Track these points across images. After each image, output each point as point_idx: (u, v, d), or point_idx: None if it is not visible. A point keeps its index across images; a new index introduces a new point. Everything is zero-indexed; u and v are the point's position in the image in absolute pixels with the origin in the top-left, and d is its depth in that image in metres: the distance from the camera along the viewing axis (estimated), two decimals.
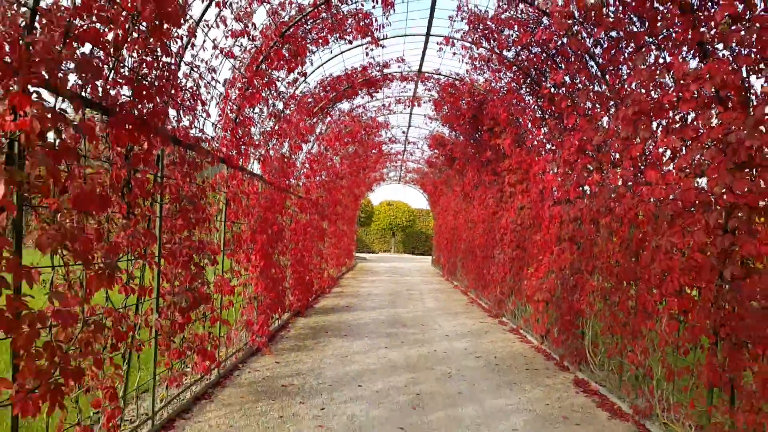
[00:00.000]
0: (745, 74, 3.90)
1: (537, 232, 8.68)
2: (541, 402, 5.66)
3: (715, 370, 4.04)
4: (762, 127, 3.63)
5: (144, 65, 3.58)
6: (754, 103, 3.91)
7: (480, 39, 7.14)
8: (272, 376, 6.19)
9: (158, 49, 3.56)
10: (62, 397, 2.69)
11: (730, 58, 3.90)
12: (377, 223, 42.74)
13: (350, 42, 6.81)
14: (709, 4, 4.04)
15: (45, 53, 2.53)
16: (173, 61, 3.73)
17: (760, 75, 3.69)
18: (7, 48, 2.42)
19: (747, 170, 3.78)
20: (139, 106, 3.50)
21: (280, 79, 6.49)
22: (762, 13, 3.56)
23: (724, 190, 3.89)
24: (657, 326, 4.83)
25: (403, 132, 15.07)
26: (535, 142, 8.44)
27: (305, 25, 6.10)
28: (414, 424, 4.82)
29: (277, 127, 7.26)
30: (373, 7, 5.97)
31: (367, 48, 7.58)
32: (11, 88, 2.46)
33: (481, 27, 6.89)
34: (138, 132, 3.39)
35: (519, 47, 6.81)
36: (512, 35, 6.71)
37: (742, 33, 3.64)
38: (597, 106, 6.03)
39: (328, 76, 8.70)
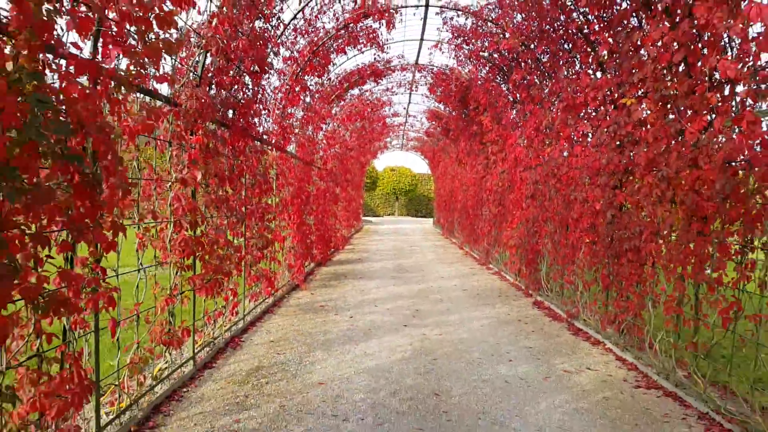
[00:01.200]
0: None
1: (512, 192, 10.85)
2: (504, 313, 7.96)
3: (606, 278, 6.27)
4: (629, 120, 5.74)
5: (241, 93, 5.72)
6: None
7: (462, 44, 9.18)
8: (311, 301, 8.49)
9: (249, 83, 5.68)
10: (219, 288, 4.94)
11: (613, 76, 5.99)
12: (381, 188, 44.88)
13: (361, 51, 8.89)
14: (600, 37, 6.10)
15: (209, 102, 4.69)
16: (257, 89, 5.84)
17: (625, 89, 5.76)
18: (183, 97, 4.57)
19: (622, 149, 5.92)
20: (239, 120, 5.65)
21: (310, 82, 8.58)
22: (624, 48, 5.62)
23: (609, 161, 6.04)
24: (580, 254, 7.07)
25: (404, 108, 17.10)
26: (510, 120, 10.53)
27: (329, 42, 8.15)
28: (414, 324, 7.11)
29: (304, 115, 9.39)
30: (379, 27, 8.01)
31: (374, 54, 9.65)
32: (195, 121, 4.63)
33: (461, 37, 8.92)
34: (240, 136, 5.56)
35: (491, 50, 8.87)
36: (485, 42, 8.75)
37: (614, 63, 5.74)
38: (545, 98, 8.14)
39: (343, 72, 10.75)
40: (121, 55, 3.26)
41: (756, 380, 4.29)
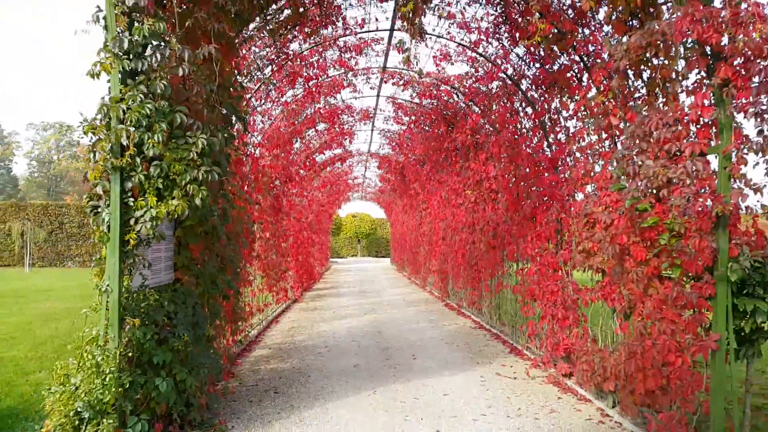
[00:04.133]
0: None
1: (434, 236, 16.51)
2: (424, 309, 13.50)
3: (468, 282, 11.87)
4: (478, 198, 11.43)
5: (275, 190, 11.20)
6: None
7: (395, 147, 14.97)
8: (308, 306, 13.83)
9: (283, 188, 11.16)
10: (271, 288, 10.31)
11: (464, 178, 11.74)
12: (345, 233, 50.32)
13: (332, 150, 14.61)
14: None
15: (272, 201, 10.18)
16: (284, 187, 11.32)
17: (468, 185, 11.48)
18: (262, 200, 10.06)
19: (478, 213, 11.61)
20: (276, 203, 11.14)
21: (303, 172, 14.17)
22: (464, 167, 11.36)
23: (467, 219, 11.71)
24: (461, 271, 12.69)
25: (362, 174, 22.86)
26: (429, 189, 16.29)
27: (315, 151, 13.78)
28: (371, 313, 12.55)
29: (298, 191, 14.93)
30: (346, 138, 13.75)
31: (342, 153, 15.41)
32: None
33: (394, 142, 14.73)
34: (277, 213, 11.05)
35: (412, 153, 14.68)
36: (408, 145, 14.56)
37: (464, 172, 11.51)
38: (445, 180, 13.93)
39: (321, 160, 16.39)
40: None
41: (504, 312, 9.82)
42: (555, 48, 5.80)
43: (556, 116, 7.03)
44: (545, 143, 7.45)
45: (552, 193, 7.08)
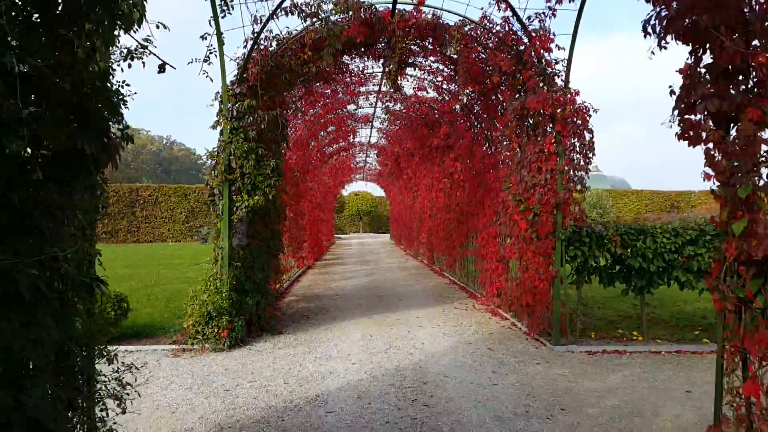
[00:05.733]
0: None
1: (424, 213, 19.83)
2: (414, 273, 16.90)
3: (446, 250, 15.22)
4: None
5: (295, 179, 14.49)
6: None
7: (390, 139, 18.20)
8: (320, 272, 17.22)
9: (302, 178, 14.43)
10: (295, 255, 13.69)
11: (442, 169, 15.01)
12: (348, 210, 53.63)
13: (339, 144, 17.89)
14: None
15: (296, 189, 13.52)
16: (303, 176, 14.57)
17: (445, 174, 14.75)
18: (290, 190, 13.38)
19: (452, 197, 14.89)
20: (298, 189, 14.45)
21: (315, 164, 17.46)
22: (441, 161, 14.58)
23: (446, 201, 15.00)
24: (442, 243, 16.03)
25: (363, 159, 26.13)
26: (420, 174, 19.54)
27: (326, 144, 16.98)
28: (370, 275, 15.96)
29: (311, 178, 18.22)
30: (348, 140, 16.96)
31: (346, 144, 18.71)
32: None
33: (389, 137, 17.96)
34: (298, 197, 14.37)
35: (404, 147, 17.93)
36: (400, 141, 17.79)
37: (441, 164, 14.78)
38: (427, 171, 17.20)
39: (329, 150, 19.63)
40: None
41: (469, 271, 13.15)
42: (486, 95, 9.04)
43: (495, 133, 10.28)
44: (490, 150, 10.71)
45: (493, 186, 10.37)
